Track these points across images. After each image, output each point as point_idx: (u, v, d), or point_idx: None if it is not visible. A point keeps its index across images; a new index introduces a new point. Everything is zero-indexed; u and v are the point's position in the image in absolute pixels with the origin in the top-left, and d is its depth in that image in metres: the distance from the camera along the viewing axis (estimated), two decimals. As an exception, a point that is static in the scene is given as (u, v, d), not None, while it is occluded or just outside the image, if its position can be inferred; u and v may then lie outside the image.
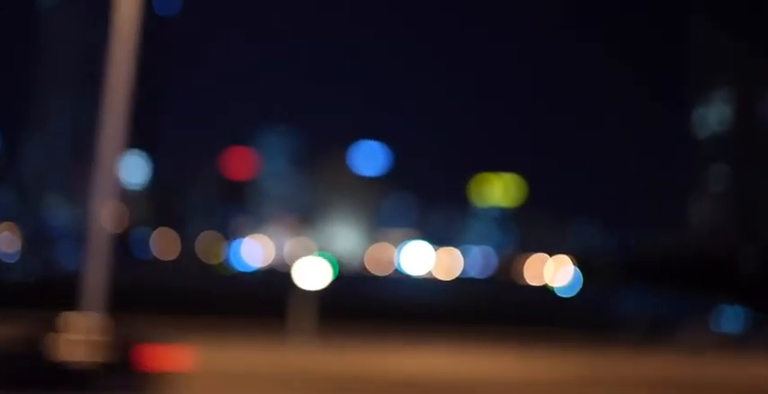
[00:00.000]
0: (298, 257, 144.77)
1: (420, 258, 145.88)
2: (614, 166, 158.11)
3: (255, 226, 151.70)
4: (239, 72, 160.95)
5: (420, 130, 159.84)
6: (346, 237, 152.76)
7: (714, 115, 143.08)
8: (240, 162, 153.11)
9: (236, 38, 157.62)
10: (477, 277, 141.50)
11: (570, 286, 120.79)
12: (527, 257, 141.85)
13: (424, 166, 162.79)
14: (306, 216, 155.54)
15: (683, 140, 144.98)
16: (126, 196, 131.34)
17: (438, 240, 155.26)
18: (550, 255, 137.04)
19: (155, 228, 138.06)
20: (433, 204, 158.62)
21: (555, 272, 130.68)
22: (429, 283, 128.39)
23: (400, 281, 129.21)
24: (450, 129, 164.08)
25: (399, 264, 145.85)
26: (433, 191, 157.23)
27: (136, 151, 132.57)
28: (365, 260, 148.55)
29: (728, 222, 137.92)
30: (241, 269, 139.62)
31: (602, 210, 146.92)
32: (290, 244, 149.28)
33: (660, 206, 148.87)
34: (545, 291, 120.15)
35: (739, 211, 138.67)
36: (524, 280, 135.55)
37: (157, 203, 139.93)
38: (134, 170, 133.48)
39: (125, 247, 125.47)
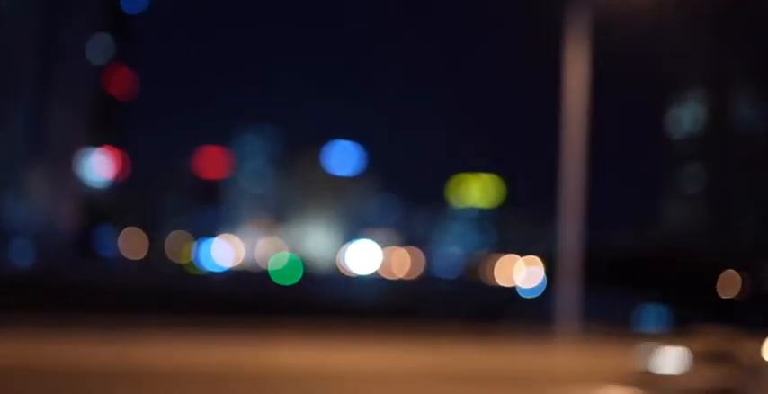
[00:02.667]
0: (268, 257, 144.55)
1: (365, 257, 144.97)
2: (591, 166, 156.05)
3: (228, 225, 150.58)
4: (216, 71, 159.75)
5: (398, 131, 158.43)
6: (319, 237, 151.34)
7: (688, 115, 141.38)
8: (213, 161, 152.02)
9: (211, 35, 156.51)
10: (443, 277, 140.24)
11: (536, 286, 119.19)
12: (498, 258, 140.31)
13: (402, 167, 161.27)
14: (280, 216, 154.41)
15: (658, 140, 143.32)
16: (88, 194, 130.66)
17: (416, 241, 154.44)
18: (521, 255, 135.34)
19: (122, 227, 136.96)
20: (411, 204, 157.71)
21: (521, 272, 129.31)
22: (376, 282, 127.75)
23: (347, 279, 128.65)
24: (429, 129, 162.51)
25: (345, 263, 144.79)
26: (412, 191, 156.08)
27: (101, 149, 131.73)
28: (338, 260, 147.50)
29: (700, 222, 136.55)
30: (210, 269, 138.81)
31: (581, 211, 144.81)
32: (261, 244, 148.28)
33: (636, 206, 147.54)
34: (510, 291, 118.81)
35: (712, 212, 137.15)
36: (493, 280, 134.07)
37: (125, 202, 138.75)
38: (98, 168, 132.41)
39: (86, 246, 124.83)
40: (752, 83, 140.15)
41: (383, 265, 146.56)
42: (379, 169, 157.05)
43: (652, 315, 63.29)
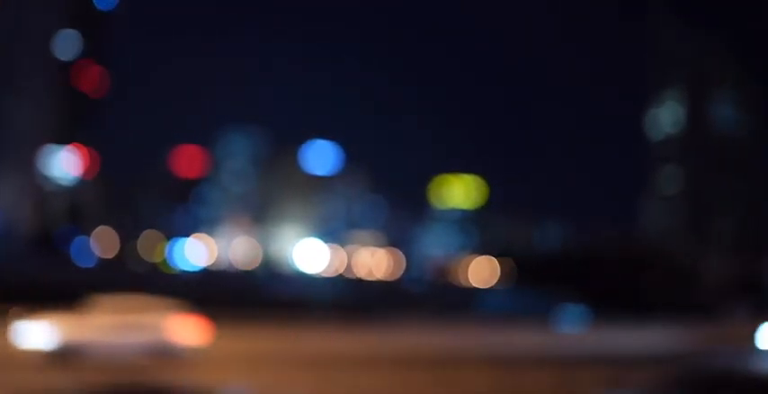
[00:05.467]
0: (241, 256, 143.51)
1: (313, 256, 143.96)
2: (573, 168, 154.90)
3: (205, 225, 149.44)
4: (195, 69, 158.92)
5: (379, 131, 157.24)
6: (294, 237, 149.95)
7: (667, 116, 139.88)
8: (190, 160, 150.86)
9: (189, 32, 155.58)
10: (419, 278, 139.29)
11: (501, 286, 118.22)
12: (473, 259, 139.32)
13: (386, 168, 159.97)
14: (258, 215, 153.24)
15: (638, 141, 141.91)
16: (54, 192, 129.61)
17: (398, 242, 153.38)
18: (496, 256, 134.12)
19: (93, 226, 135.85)
20: (396, 206, 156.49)
21: (492, 273, 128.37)
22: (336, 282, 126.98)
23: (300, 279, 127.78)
24: (411, 130, 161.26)
25: (292, 262, 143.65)
26: (396, 192, 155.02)
27: (68, 146, 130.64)
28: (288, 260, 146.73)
29: (678, 223, 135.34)
30: (184, 268, 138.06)
31: (562, 212, 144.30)
32: (236, 244, 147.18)
33: (615, 207, 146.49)
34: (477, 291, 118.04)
35: (689, 212, 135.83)
36: (464, 281, 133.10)
37: (97, 201, 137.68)
38: (66, 165, 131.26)
39: (50, 244, 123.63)
40: (730, 85, 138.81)
41: (360, 266, 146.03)
42: (363, 170, 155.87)
43: (572, 313, 62.22)
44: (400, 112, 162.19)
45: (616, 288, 66.76)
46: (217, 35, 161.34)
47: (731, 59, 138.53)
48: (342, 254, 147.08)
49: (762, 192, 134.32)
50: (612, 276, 69.72)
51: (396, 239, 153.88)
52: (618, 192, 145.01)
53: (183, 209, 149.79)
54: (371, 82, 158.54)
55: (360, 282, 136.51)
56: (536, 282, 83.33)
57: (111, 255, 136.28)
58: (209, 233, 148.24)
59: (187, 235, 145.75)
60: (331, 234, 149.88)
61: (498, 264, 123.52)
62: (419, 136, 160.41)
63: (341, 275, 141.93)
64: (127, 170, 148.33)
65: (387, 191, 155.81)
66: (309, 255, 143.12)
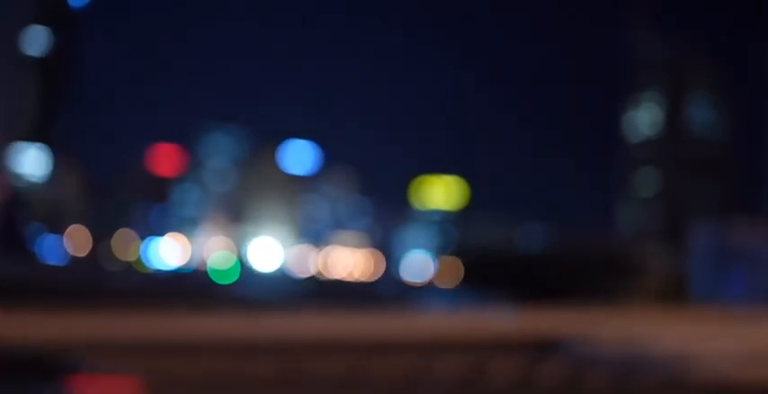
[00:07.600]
0: (213, 256, 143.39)
1: (268, 255, 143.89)
2: (552, 169, 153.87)
3: (180, 224, 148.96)
4: (175, 68, 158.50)
5: (364, 132, 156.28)
6: (270, 237, 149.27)
7: (645, 118, 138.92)
8: (167, 159, 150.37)
9: (168, 31, 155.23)
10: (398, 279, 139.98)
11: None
12: (443, 260, 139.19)
13: (368, 168, 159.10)
14: (235, 215, 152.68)
15: (616, 143, 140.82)
16: (23, 189, 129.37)
17: (380, 243, 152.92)
18: (459, 257, 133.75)
19: (65, 224, 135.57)
20: (378, 207, 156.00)
21: (452, 273, 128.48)
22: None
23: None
24: (392, 130, 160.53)
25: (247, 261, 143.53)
26: (378, 193, 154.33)
27: (38, 145, 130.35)
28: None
29: (654, 225, 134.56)
30: (157, 267, 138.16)
31: (542, 214, 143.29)
32: (209, 243, 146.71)
33: (594, 209, 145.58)
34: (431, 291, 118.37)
35: (665, 214, 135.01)
36: (435, 282, 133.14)
37: (68, 199, 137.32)
38: (35, 163, 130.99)
39: (17, 242, 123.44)
40: (708, 87, 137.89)
41: (339, 267, 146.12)
42: (347, 170, 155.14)
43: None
44: (385, 112, 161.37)
45: (552, 287, 66.33)
46: (198, 33, 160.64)
47: (710, 61, 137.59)
48: (320, 254, 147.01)
49: (738, 194, 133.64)
50: (554, 275, 69.45)
51: (379, 240, 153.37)
52: (596, 193, 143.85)
53: (161, 208, 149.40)
54: (356, 81, 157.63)
55: (337, 282, 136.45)
56: (484, 282, 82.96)
57: (83, 253, 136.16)
58: (187, 232, 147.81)
59: (163, 234, 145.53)
60: (313, 234, 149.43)
61: (460, 265, 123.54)
62: (404, 137, 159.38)
63: (317, 275, 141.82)
64: (104, 169, 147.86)
65: (372, 192, 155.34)
66: (264, 253, 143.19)
